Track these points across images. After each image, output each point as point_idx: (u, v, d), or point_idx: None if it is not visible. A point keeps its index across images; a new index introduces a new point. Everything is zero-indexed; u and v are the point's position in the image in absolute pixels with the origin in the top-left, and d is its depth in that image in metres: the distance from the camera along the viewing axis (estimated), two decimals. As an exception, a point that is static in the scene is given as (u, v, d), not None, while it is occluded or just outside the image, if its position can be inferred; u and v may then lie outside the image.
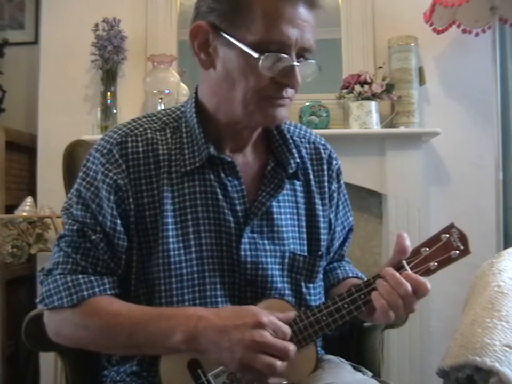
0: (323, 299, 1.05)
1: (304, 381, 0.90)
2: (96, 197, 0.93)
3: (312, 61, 0.92)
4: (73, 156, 1.30)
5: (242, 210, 0.97)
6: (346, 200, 1.14)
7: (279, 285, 0.98)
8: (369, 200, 2.25)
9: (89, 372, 1.09)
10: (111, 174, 0.93)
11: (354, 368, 1.03)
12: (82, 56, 2.28)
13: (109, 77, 2.25)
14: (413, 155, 2.15)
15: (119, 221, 0.93)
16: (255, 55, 0.85)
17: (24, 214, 2.04)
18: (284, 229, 1.00)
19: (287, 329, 0.83)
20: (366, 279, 0.89)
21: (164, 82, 2.16)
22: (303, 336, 0.86)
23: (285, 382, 0.85)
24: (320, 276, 1.06)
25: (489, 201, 2.11)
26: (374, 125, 2.14)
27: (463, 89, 2.27)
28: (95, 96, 2.31)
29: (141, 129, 0.97)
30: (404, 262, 0.87)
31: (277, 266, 0.98)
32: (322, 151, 1.08)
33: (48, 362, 2.12)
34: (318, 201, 1.05)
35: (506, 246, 1.93)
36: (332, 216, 1.07)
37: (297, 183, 1.03)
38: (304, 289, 1.01)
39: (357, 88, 2.13)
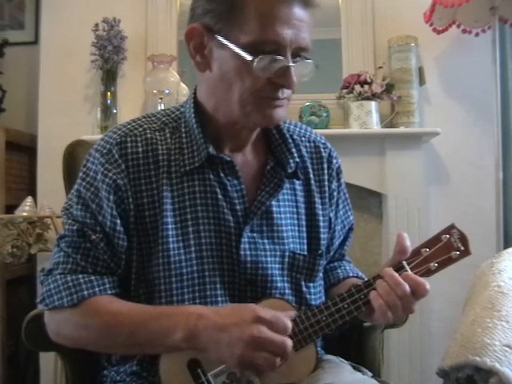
0: (323, 298, 1.05)
1: (304, 381, 0.90)
2: (96, 197, 0.93)
3: (309, 60, 0.92)
4: (73, 156, 1.30)
5: (242, 209, 0.97)
6: (346, 199, 1.14)
7: (279, 284, 0.98)
8: (369, 200, 2.25)
9: (89, 372, 1.09)
10: (110, 174, 0.93)
11: (354, 368, 1.03)
12: (82, 56, 2.28)
13: (109, 77, 2.25)
14: (413, 155, 2.15)
15: (118, 221, 0.93)
16: (249, 57, 0.85)
17: (24, 214, 2.04)
18: (284, 228, 1.00)
19: (287, 322, 0.83)
20: (366, 278, 0.89)
21: (164, 82, 2.16)
22: (303, 336, 0.86)
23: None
24: (320, 275, 1.06)
25: (489, 201, 2.10)
26: (374, 125, 2.14)
27: (463, 89, 2.27)
28: (95, 96, 2.31)
29: (140, 129, 0.97)
30: (404, 262, 0.87)
31: (277, 266, 0.98)
32: (322, 150, 1.08)
33: (48, 362, 2.12)
34: (317, 200, 1.05)
35: (506, 246, 1.93)
36: (331, 215, 1.07)
37: (297, 182, 1.03)
38: (304, 289, 1.01)
39: (357, 88, 2.13)
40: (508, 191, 2.17)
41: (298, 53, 0.89)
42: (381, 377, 1.13)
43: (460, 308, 1.16)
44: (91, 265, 0.93)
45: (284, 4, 0.85)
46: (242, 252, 0.95)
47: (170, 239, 0.93)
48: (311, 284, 1.02)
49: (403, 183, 2.14)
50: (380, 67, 2.23)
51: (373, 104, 2.14)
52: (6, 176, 2.21)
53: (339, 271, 1.11)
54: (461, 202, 2.23)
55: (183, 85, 2.24)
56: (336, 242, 1.11)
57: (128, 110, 2.27)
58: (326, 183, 1.06)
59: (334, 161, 1.09)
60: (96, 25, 2.24)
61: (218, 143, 0.97)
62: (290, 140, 1.03)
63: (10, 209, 2.15)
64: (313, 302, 1.01)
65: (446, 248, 0.87)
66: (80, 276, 0.91)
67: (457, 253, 0.87)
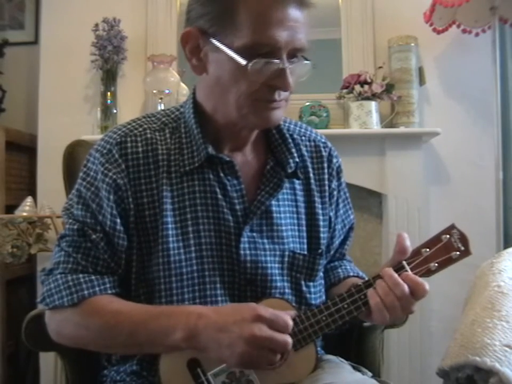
0: (323, 297, 1.05)
1: (303, 380, 0.90)
2: (96, 196, 0.93)
3: (306, 61, 0.91)
4: (73, 156, 1.30)
5: (242, 209, 0.97)
6: (347, 198, 1.13)
7: (278, 284, 0.98)
8: (369, 200, 2.25)
9: (89, 372, 1.09)
10: (110, 174, 0.93)
11: (354, 368, 1.03)
12: (82, 56, 2.28)
13: (109, 77, 2.25)
14: (413, 155, 2.15)
15: (118, 220, 0.93)
16: (243, 62, 0.85)
17: (24, 214, 2.04)
18: (284, 227, 1.00)
19: (288, 319, 0.83)
20: (366, 278, 0.89)
21: (164, 82, 2.16)
22: (303, 336, 0.86)
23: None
24: (321, 274, 1.06)
25: (489, 201, 2.10)
26: (374, 125, 2.14)
27: (463, 89, 2.27)
28: (95, 96, 2.31)
29: (140, 129, 0.97)
30: (404, 262, 0.87)
31: (277, 265, 0.98)
32: (322, 149, 1.08)
33: (48, 362, 2.12)
34: (317, 199, 1.05)
35: (506, 246, 1.93)
36: (331, 214, 1.07)
37: (297, 181, 1.03)
38: (304, 288, 1.01)
39: (357, 88, 2.13)
40: (508, 191, 2.16)
41: (294, 53, 0.89)
42: (381, 377, 1.13)
43: (459, 308, 1.16)
44: (91, 265, 0.93)
45: (277, 6, 0.85)
46: (242, 252, 0.95)
47: (170, 239, 0.93)
48: (311, 284, 1.02)
49: (403, 183, 2.14)
50: (380, 67, 2.23)
51: (373, 104, 2.14)
52: (6, 176, 2.21)
53: (339, 270, 1.11)
54: (461, 202, 2.23)
55: (183, 85, 2.24)
56: (337, 242, 1.11)
57: (128, 110, 2.27)
58: (326, 182, 1.06)
59: (334, 160, 1.09)
60: (96, 25, 2.24)
61: (217, 143, 0.98)
62: (290, 140, 1.03)
63: (10, 209, 2.15)
64: (313, 302, 1.01)
65: (446, 248, 0.87)
66: (81, 275, 0.91)
67: (458, 253, 0.87)
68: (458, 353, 0.86)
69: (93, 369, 1.08)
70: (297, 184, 1.03)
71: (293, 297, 1.00)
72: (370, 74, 2.16)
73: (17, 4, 2.58)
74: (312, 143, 1.08)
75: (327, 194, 1.06)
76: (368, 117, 2.13)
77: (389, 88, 2.15)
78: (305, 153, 1.06)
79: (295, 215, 1.02)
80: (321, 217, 1.04)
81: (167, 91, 2.18)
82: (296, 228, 1.02)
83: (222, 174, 0.96)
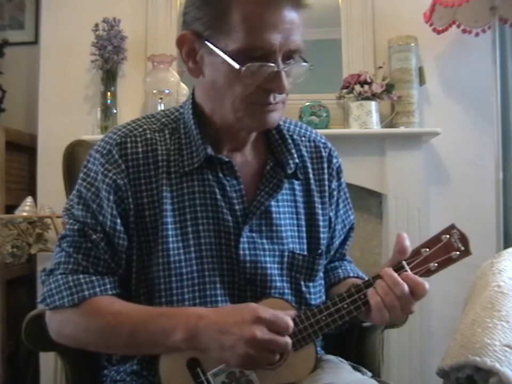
0: (323, 298, 1.05)
1: (303, 380, 0.90)
2: (97, 197, 0.93)
3: (301, 62, 0.91)
4: (73, 156, 1.30)
5: (241, 209, 0.97)
6: (347, 199, 1.13)
7: (278, 284, 0.98)
8: (369, 200, 2.25)
9: (89, 372, 1.09)
10: (110, 174, 0.93)
11: (354, 368, 1.03)
12: (82, 56, 2.28)
13: (109, 77, 2.25)
14: (413, 155, 2.15)
15: (119, 221, 0.93)
16: (236, 66, 0.85)
17: (24, 214, 2.04)
18: (283, 228, 1.00)
19: (288, 320, 0.83)
20: (366, 278, 0.89)
21: (164, 82, 2.16)
22: (303, 336, 0.87)
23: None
24: (320, 274, 1.06)
25: (489, 201, 2.10)
26: (374, 125, 2.14)
27: (463, 89, 2.27)
28: (95, 96, 2.31)
29: (140, 130, 0.97)
30: (404, 262, 0.87)
31: (276, 265, 0.98)
32: (322, 149, 1.08)
33: (48, 362, 2.12)
34: (317, 199, 1.05)
35: (506, 246, 1.92)
36: (331, 214, 1.07)
37: (296, 182, 1.03)
38: (303, 288, 1.01)
39: (357, 88, 2.13)
40: (508, 191, 2.16)
41: (290, 55, 0.88)
42: (380, 377, 1.13)
43: (460, 308, 1.16)
44: (92, 265, 0.93)
45: (271, 8, 0.84)
46: (241, 252, 0.95)
47: (170, 239, 0.93)
48: (311, 284, 1.02)
49: (403, 183, 2.14)
50: (380, 67, 2.23)
51: (373, 104, 2.14)
52: (6, 176, 2.21)
53: (339, 271, 1.11)
54: (461, 202, 2.23)
55: (183, 85, 2.24)
56: (337, 242, 1.11)
57: (128, 110, 2.27)
58: (326, 182, 1.06)
59: (334, 160, 1.09)
60: (96, 25, 2.24)
61: (217, 144, 0.98)
62: (290, 141, 1.02)
63: (10, 209, 2.15)
64: (313, 302, 1.01)
65: (446, 248, 0.87)
66: (81, 276, 0.91)
67: (457, 253, 0.87)
68: (458, 353, 0.86)
69: (93, 369, 1.08)
70: (297, 184, 1.03)
71: (292, 297, 1.00)
72: (370, 74, 2.16)
73: (17, 4, 2.58)
74: (312, 144, 1.08)
75: (327, 194, 1.06)
76: (368, 117, 2.12)
77: (389, 88, 2.15)
78: (305, 154, 1.06)
79: (294, 216, 1.02)
80: (321, 218, 1.04)
81: (167, 91, 2.18)
82: (295, 228, 1.02)
83: (221, 175, 0.96)
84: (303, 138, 1.07)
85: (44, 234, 2.06)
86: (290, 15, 0.86)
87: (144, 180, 0.94)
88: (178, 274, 0.93)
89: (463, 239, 0.87)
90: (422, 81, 2.24)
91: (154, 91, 2.18)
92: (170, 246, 0.93)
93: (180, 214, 0.95)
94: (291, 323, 0.83)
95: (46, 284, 0.94)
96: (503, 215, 2.09)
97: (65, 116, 2.29)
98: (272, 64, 0.85)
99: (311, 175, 1.05)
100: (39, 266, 2.20)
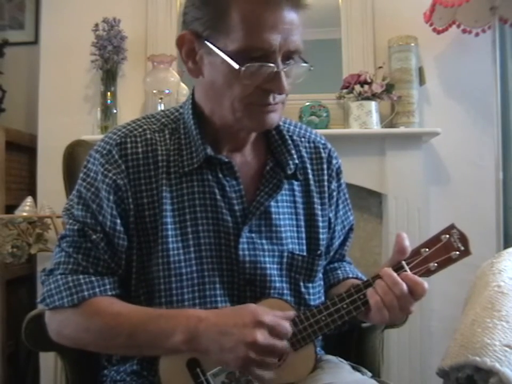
0: (323, 298, 1.05)
1: (303, 381, 0.90)
2: (97, 197, 0.93)
3: (301, 62, 0.91)
4: (73, 156, 1.30)
5: (241, 210, 0.97)
6: (346, 199, 1.13)
7: (277, 285, 0.98)
8: (369, 200, 2.25)
9: (89, 372, 1.09)
10: (110, 174, 0.93)
11: (354, 368, 1.03)
12: (82, 56, 2.28)
13: (109, 77, 2.25)
14: (413, 155, 2.15)
15: (118, 221, 0.93)
16: (236, 66, 0.85)
17: (24, 214, 2.04)
18: (282, 228, 1.00)
19: (287, 326, 0.83)
20: (366, 279, 0.89)
21: (164, 82, 2.16)
22: (302, 336, 0.87)
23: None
24: (320, 275, 1.06)
25: (489, 201, 2.10)
26: (374, 125, 2.14)
27: (463, 89, 2.27)
28: (95, 96, 2.31)
29: (140, 130, 0.97)
30: (404, 262, 0.87)
31: (276, 266, 0.98)
32: (322, 150, 1.08)
33: (48, 362, 2.12)
34: (317, 200, 1.04)
35: (506, 246, 1.92)
36: (331, 215, 1.07)
37: (295, 183, 1.03)
38: (303, 289, 1.01)
39: (357, 88, 2.13)
40: (508, 191, 2.16)
41: (289, 56, 0.88)
42: (380, 377, 1.13)
43: (460, 308, 1.16)
44: (92, 265, 0.93)
45: (270, 9, 0.84)
46: (240, 252, 0.95)
47: (170, 239, 0.93)
48: (310, 284, 1.02)
49: (403, 183, 2.14)
50: (380, 67, 2.23)
51: (373, 104, 2.14)
52: (6, 176, 2.22)
53: (339, 271, 1.11)
54: (461, 202, 2.23)
55: (183, 85, 2.24)
56: (336, 243, 1.11)
57: (128, 110, 2.27)
58: (326, 183, 1.06)
59: (334, 161, 1.09)
60: (96, 25, 2.24)
61: (216, 144, 0.97)
62: (290, 141, 1.02)
63: (10, 209, 2.15)
64: (312, 302, 1.01)
65: (446, 248, 0.87)
66: (81, 276, 0.91)
67: (457, 253, 0.87)
68: (458, 353, 0.86)
69: (93, 369, 1.08)
70: (296, 185, 1.03)
71: (292, 298, 1.00)
72: (370, 74, 2.16)
73: (17, 4, 2.58)
74: (312, 145, 1.08)
75: (326, 195, 1.06)
76: (368, 117, 2.12)
77: (389, 88, 2.15)
78: (305, 155, 1.06)
79: (294, 216, 1.02)
80: (320, 219, 1.04)
81: (167, 91, 2.18)
82: (295, 229, 1.02)
83: (220, 175, 0.96)
84: (302, 139, 1.07)
85: (44, 234, 2.06)
86: (290, 15, 0.86)
87: (144, 180, 0.94)
88: (178, 275, 0.93)
89: (463, 239, 0.87)
90: (422, 81, 2.24)
91: (154, 91, 2.19)
92: (170, 246, 0.93)
93: (179, 214, 0.95)
94: (290, 329, 0.83)
95: (46, 284, 0.94)
96: (503, 215, 2.09)
97: (65, 116, 2.29)
98: (272, 65, 0.85)
99: (310, 176, 1.05)
100: (39, 266, 2.20)
